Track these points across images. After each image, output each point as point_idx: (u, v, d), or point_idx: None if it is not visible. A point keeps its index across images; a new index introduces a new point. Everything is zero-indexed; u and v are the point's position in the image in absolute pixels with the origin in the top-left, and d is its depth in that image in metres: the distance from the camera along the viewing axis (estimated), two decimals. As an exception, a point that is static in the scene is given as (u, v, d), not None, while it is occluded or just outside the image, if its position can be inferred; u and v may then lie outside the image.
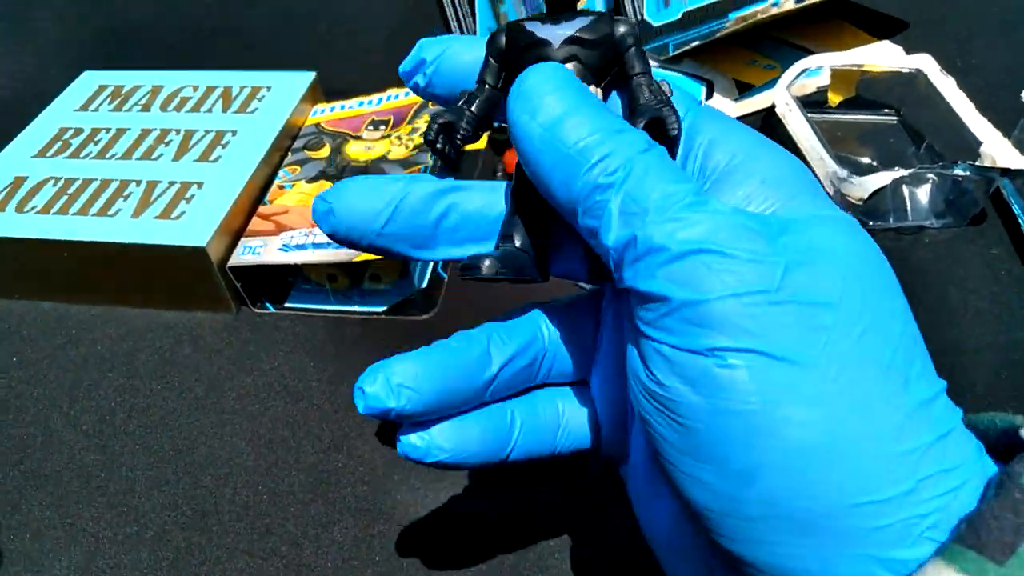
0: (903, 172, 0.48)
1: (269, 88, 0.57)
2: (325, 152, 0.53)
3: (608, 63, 0.23)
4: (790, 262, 0.19)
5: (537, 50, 0.23)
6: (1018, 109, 0.52)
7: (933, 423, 0.19)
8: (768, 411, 0.18)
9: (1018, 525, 0.17)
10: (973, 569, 0.16)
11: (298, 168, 0.52)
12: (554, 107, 0.21)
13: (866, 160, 0.55)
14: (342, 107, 0.57)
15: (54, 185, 0.51)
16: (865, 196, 0.48)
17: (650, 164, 0.20)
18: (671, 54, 0.61)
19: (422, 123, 0.54)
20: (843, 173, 0.49)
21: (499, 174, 0.53)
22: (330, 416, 0.43)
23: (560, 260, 0.26)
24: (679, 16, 0.62)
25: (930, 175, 0.49)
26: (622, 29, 0.23)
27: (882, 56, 0.57)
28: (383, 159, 0.52)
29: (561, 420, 0.27)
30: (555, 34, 0.23)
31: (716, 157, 0.22)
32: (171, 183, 0.50)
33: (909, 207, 0.50)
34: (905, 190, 0.50)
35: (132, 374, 0.46)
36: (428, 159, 0.50)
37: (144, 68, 0.62)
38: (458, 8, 0.60)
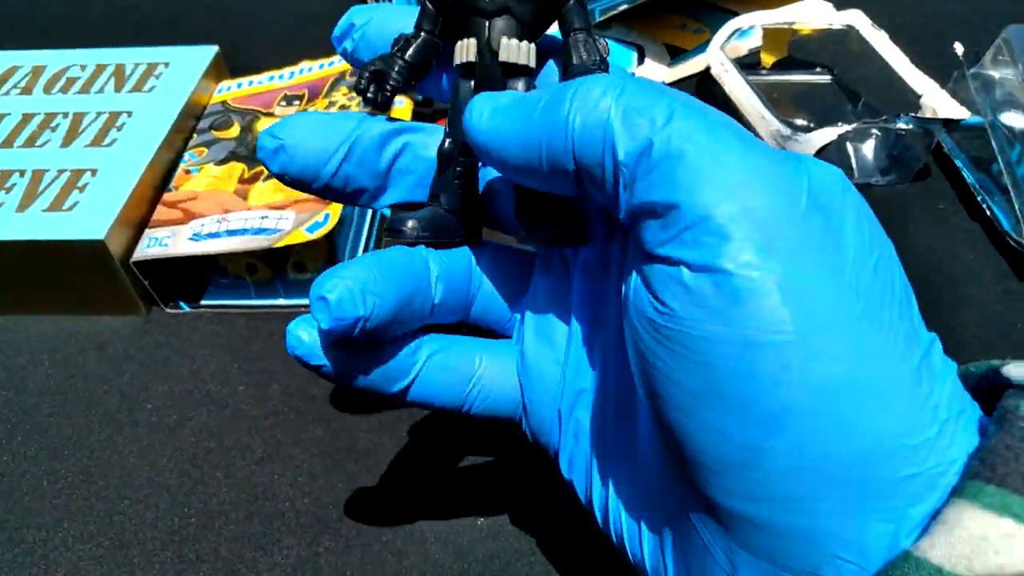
0: (847, 127, 0.46)
1: (167, 64, 0.51)
2: (234, 131, 0.48)
3: (543, 17, 0.22)
4: (811, 185, 0.18)
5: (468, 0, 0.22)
6: (949, 62, 0.50)
7: (944, 366, 0.18)
8: (803, 343, 0.16)
9: None
10: (996, 503, 0.16)
11: (205, 150, 0.47)
12: (508, 96, 0.21)
13: (802, 122, 0.53)
14: (250, 83, 0.52)
15: (-79, 181, 0.44)
16: (812, 152, 0.46)
17: (640, 81, 0.19)
18: (598, 19, 0.58)
19: (340, 96, 0.49)
20: (787, 131, 0.46)
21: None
22: (260, 423, 0.38)
23: (499, 221, 0.25)
24: (605, -22, 0.59)
25: (874, 130, 0.47)
26: None
27: (813, 13, 0.55)
28: (301, 137, 0.47)
29: (475, 371, 0.25)
30: None
31: None
32: (60, 171, 0.43)
33: (855, 164, 0.48)
34: (849, 147, 0.48)
35: (28, 391, 0.40)
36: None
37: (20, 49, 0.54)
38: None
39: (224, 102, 0.50)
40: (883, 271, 0.18)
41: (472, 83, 0.23)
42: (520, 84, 0.23)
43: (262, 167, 0.44)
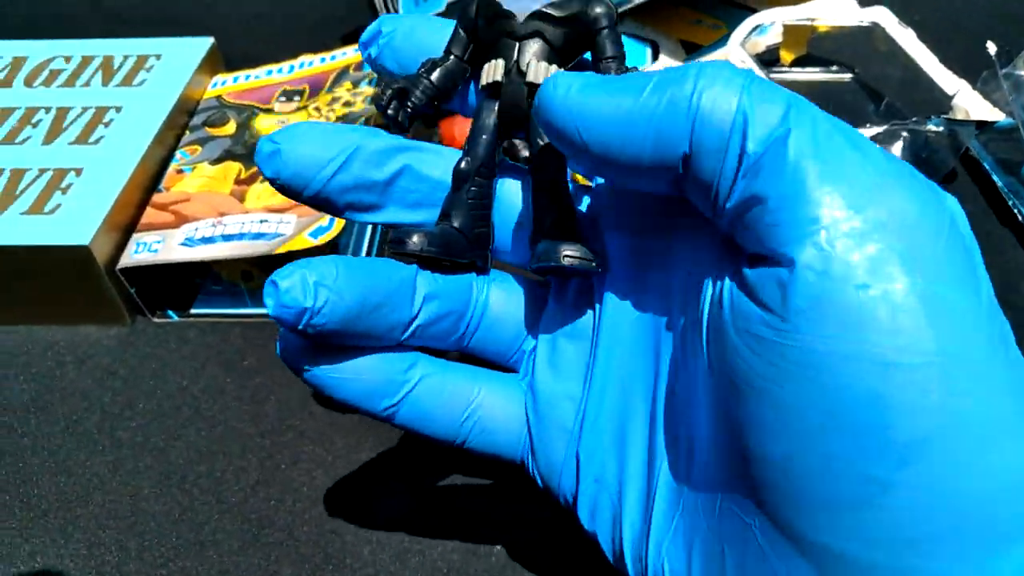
0: (878, 128, 0.43)
1: (159, 57, 0.47)
2: (230, 128, 0.44)
3: (575, 43, 0.22)
4: (952, 210, 0.17)
5: (500, 23, 0.22)
6: (975, 62, 0.48)
7: None
8: (945, 366, 0.15)
9: None
10: None
11: (198, 148, 0.43)
12: (596, 76, 0.19)
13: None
14: (247, 77, 0.48)
15: None
16: (841, 157, 0.43)
17: (757, 78, 0.17)
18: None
19: (343, 91, 0.45)
20: (815, 133, 0.43)
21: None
22: (256, 442, 0.34)
23: (520, 250, 0.24)
24: (617, -28, 0.55)
25: (903, 132, 0.44)
26: (598, 9, 0.21)
27: (837, 10, 0.52)
28: (300, 134, 0.43)
29: (472, 401, 0.23)
30: (522, 6, 0.22)
31: None
32: (42, 171, 0.40)
33: (883, 167, 0.45)
34: (877, 149, 0.45)
35: (1, 407, 0.36)
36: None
37: None
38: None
39: (219, 97, 0.47)
40: (985, 289, 0.16)
41: (496, 104, 0.22)
42: None
43: (259, 167, 0.41)
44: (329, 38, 0.56)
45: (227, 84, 0.48)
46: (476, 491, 0.32)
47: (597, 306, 0.23)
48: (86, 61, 0.47)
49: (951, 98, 0.46)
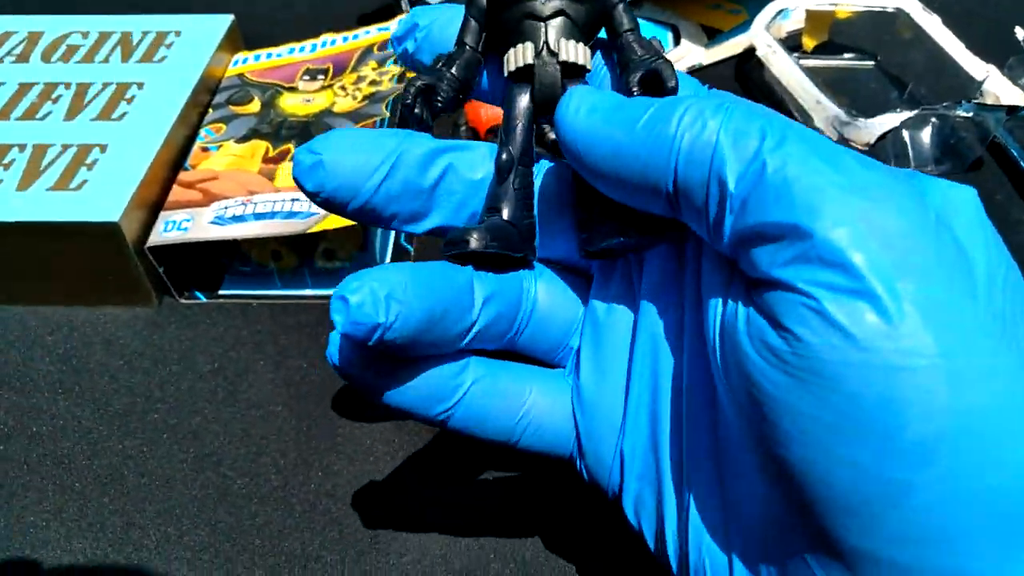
0: (908, 114, 0.42)
1: (178, 34, 0.45)
2: (254, 107, 0.43)
3: (596, 19, 0.22)
4: (935, 200, 0.17)
5: (521, 6, 0.21)
6: (999, 47, 0.47)
7: None
8: (948, 366, 0.15)
9: None
10: None
11: (223, 126, 0.42)
12: (608, 99, 0.19)
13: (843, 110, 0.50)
14: (268, 55, 0.46)
15: (-93, 154, 0.38)
16: (872, 140, 0.42)
17: (747, 103, 0.18)
18: (629, -3, 0.53)
19: (368, 71, 0.44)
20: (847, 118, 0.42)
21: (463, 129, 0.44)
22: (291, 425, 0.33)
23: (552, 242, 0.23)
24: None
25: (932, 117, 0.44)
26: None
27: (859, -5, 0.51)
28: (328, 112, 0.42)
29: (526, 401, 0.23)
30: None
31: None
32: (65, 147, 0.38)
33: (911, 152, 0.44)
34: (906, 135, 0.44)
35: (28, 389, 0.35)
36: (383, 110, 0.41)
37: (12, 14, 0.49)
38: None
39: (241, 75, 0.45)
40: (1010, 287, 0.17)
41: (528, 89, 0.22)
42: (576, 85, 0.21)
43: (288, 146, 0.39)
44: (349, 17, 0.54)
45: (248, 62, 0.46)
46: (524, 479, 0.31)
47: (637, 303, 0.22)
48: (104, 37, 0.45)
49: (978, 84, 0.45)
